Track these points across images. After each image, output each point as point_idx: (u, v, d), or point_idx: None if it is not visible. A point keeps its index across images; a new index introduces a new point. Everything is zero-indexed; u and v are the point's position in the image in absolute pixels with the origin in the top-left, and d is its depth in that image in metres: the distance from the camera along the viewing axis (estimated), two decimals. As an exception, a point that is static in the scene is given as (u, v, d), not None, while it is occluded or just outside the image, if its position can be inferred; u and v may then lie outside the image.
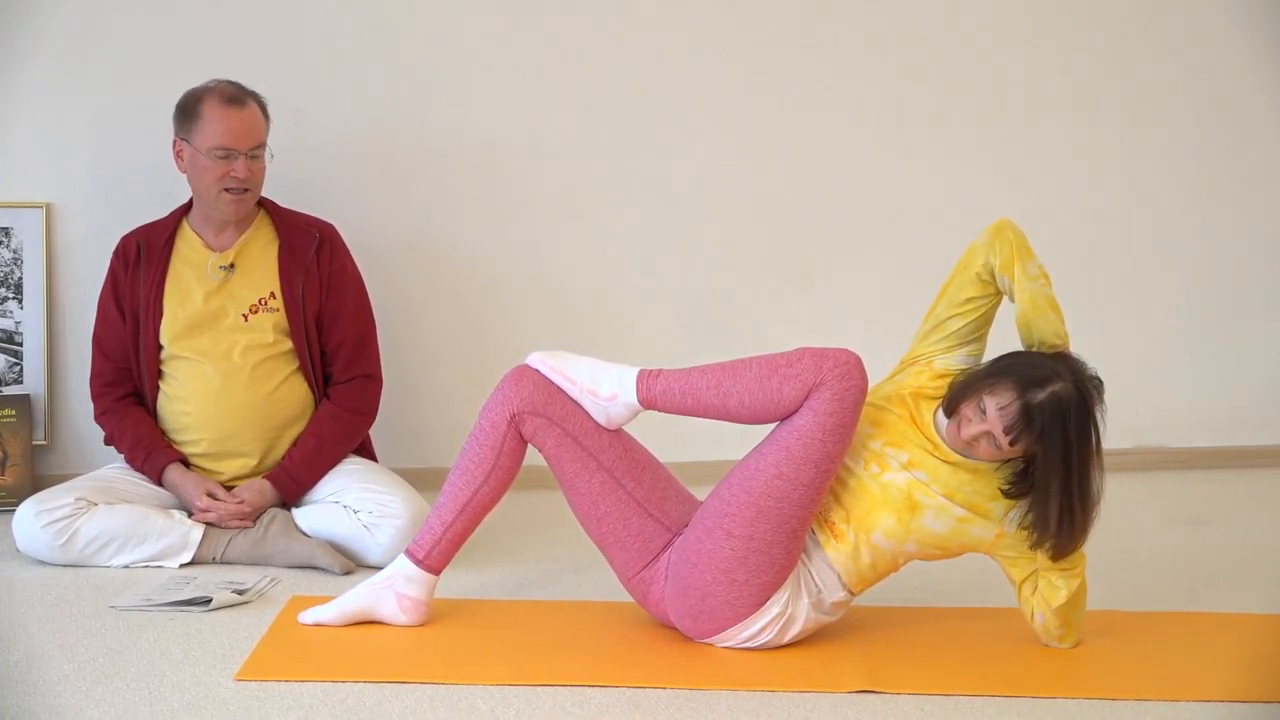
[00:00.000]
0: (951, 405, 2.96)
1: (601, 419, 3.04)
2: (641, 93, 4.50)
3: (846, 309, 4.62)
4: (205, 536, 3.58)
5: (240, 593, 3.30)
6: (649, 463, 3.09)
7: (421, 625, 3.12)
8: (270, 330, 3.71)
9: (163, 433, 3.73)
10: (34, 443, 4.18)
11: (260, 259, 3.76)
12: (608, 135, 4.50)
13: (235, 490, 3.65)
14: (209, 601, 3.23)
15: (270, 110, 3.76)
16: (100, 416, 3.79)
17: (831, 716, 2.72)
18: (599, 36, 4.47)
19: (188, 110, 3.69)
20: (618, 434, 3.07)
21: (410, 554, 3.11)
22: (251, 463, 3.71)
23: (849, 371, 2.88)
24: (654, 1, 4.48)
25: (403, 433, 4.33)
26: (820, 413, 2.88)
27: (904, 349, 3.16)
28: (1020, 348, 3.03)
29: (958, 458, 2.97)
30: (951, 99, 4.64)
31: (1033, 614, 3.04)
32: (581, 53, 4.47)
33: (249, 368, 3.69)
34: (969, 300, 3.07)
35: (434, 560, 3.10)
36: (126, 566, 3.53)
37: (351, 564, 3.54)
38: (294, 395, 3.73)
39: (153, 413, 3.74)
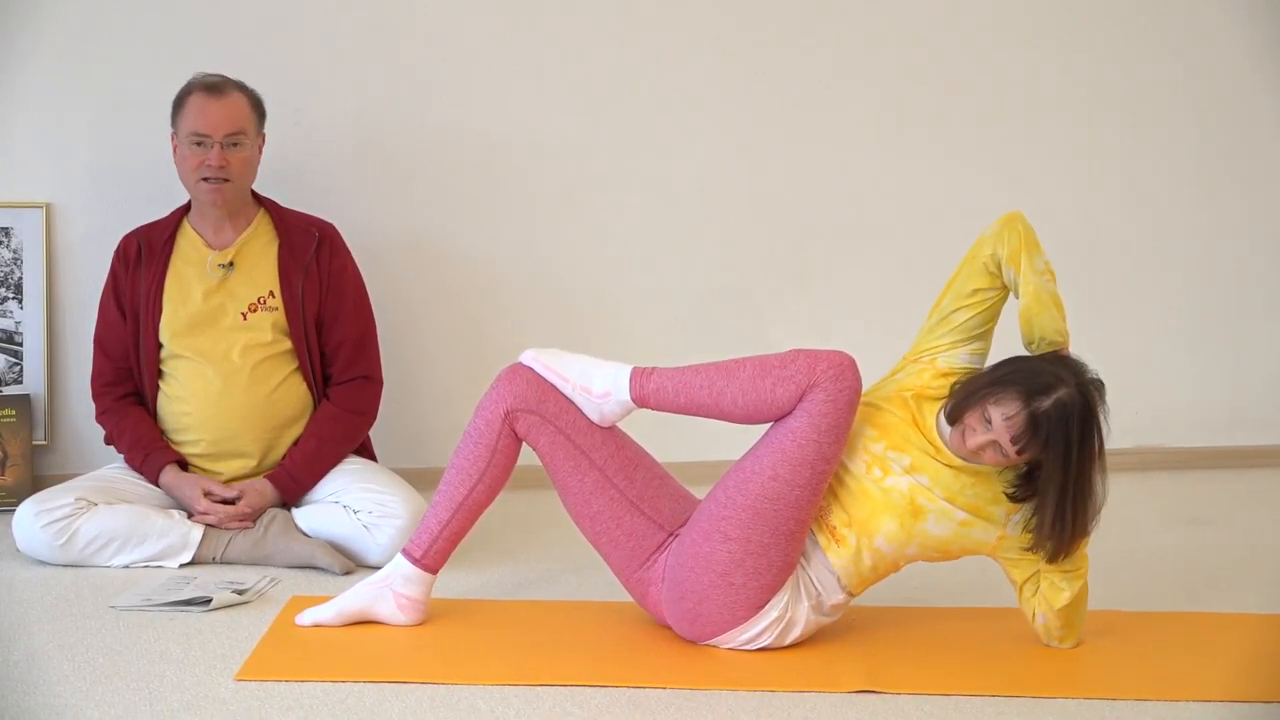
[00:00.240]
0: (955, 414, 2.95)
1: (595, 416, 3.03)
2: (641, 93, 4.50)
3: (846, 309, 4.62)
4: (205, 536, 3.58)
5: (240, 593, 3.30)
6: (643, 461, 3.08)
7: (420, 625, 3.11)
8: (269, 329, 3.71)
9: (162, 433, 3.74)
10: (34, 443, 4.18)
11: (260, 258, 3.75)
12: (608, 135, 4.50)
13: (234, 485, 3.66)
14: (209, 601, 3.23)
15: (270, 110, 3.76)
16: (100, 416, 3.80)
17: (831, 716, 2.71)
18: (599, 36, 4.47)
19: (176, 102, 3.72)
20: (611, 432, 3.06)
21: (407, 553, 3.10)
22: (251, 463, 3.71)
23: (842, 373, 2.87)
24: (654, 1, 4.48)
25: (402, 433, 4.33)
26: (814, 415, 2.87)
27: (904, 349, 3.15)
28: (1020, 347, 3.02)
29: (960, 461, 2.96)
30: (951, 99, 4.64)
31: (1034, 614, 3.03)
32: (581, 52, 4.47)
33: (249, 368, 3.69)
34: (976, 292, 3.05)
35: (431, 559, 3.10)
36: (126, 566, 3.53)
37: (351, 564, 3.54)
38: (293, 395, 3.73)
39: (153, 413, 3.74)
